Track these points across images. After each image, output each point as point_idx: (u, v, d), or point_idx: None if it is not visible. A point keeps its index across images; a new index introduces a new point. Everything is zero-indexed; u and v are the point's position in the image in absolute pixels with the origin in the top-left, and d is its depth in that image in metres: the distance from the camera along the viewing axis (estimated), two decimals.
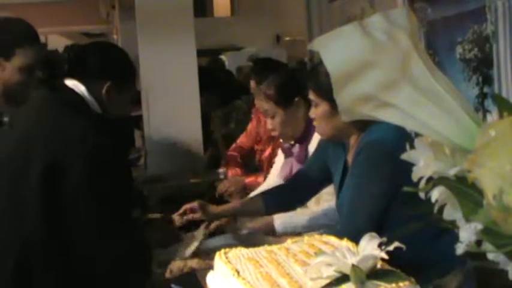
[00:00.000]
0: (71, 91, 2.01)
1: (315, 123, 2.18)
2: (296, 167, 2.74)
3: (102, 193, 1.84)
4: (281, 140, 2.87)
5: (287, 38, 6.70)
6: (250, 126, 3.85)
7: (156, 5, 4.05)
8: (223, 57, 6.13)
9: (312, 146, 2.60)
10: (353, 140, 2.09)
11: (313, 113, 2.15)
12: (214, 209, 2.47)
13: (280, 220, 2.53)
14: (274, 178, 3.00)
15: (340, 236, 1.91)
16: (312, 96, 2.13)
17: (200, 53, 4.31)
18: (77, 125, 1.92)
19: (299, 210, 2.59)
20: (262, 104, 2.72)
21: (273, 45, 7.11)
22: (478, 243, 0.68)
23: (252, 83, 3.45)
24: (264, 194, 2.50)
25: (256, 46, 6.50)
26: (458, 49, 3.10)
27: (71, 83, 2.03)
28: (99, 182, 1.84)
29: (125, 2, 6.49)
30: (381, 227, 1.92)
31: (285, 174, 2.85)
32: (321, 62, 2.31)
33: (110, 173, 1.87)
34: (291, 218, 2.55)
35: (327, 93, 2.04)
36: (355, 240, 1.35)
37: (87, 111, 2.00)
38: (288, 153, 2.83)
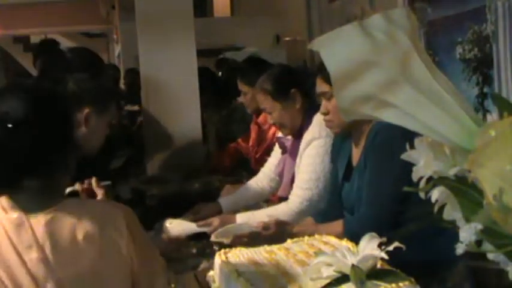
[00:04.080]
0: None
1: (328, 117, 2.16)
2: (288, 162, 2.76)
3: None
4: (280, 134, 2.88)
5: (287, 38, 6.69)
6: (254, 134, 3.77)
7: (156, 5, 4.05)
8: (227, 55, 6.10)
9: (303, 144, 2.61)
10: (365, 128, 2.09)
11: (326, 107, 2.12)
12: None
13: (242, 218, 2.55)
14: (270, 167, 2.98)
15: (365, 218, 1.94)
16: (324, 88, 2.10)
17: (200, 53, 4.30)
18: None
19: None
20: (260, 100, 2.75)
21: (272, 45, 7.10)
22: (478, 243, 0.68)
23: (241, 85, 3.46)
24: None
25: (256, 46, 6.49)
26: (458, 49, 3.10)
27: None
28: None
29: (125, 2, 6.48)
30: (396, 224, 1.94)
31: (279, 170, 2.86)
32: None
33: None
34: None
35: None
36: (382, 221, 1.33)
37: None
38: (284, 149, 2.84)
